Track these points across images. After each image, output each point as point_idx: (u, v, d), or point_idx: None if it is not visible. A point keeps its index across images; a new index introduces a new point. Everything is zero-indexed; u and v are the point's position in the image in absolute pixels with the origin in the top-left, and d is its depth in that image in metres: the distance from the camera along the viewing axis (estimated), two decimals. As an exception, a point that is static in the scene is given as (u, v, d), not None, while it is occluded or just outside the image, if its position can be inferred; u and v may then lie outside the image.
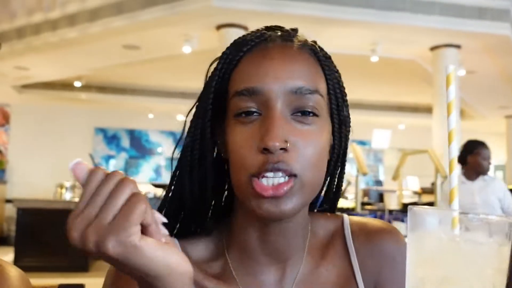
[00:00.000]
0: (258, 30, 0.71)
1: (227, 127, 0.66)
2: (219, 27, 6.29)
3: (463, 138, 7.69)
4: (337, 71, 0.73)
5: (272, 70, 0.63)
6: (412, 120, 11.77)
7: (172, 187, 0.71)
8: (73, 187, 8.13)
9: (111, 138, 12.19)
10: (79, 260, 6.92)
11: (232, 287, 0.67)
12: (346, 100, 0.74)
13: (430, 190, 6.52)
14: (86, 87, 10.20)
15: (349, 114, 0.75)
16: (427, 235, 0.42)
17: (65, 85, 10.05)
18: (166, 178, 12.27)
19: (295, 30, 0.73)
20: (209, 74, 0.71)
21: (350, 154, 5.73)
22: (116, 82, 10.30)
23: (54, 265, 6.78)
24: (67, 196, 7.96)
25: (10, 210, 8.95)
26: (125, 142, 12.30)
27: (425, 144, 6.59)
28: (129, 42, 7.03)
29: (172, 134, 12.46)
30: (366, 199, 7.15)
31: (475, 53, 7.13)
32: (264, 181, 0.60)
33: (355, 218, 0.78)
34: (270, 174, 0.60)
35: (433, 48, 6.91)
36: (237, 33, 6.31)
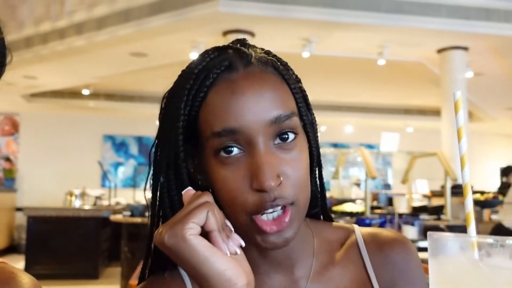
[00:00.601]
0: (208, 54, 0.67)
1: (207, 166, 0.65)
2: (225, 33, 6.31)
3: (472, 139, 7.67)
4: (296, 76, 0.71)
5: (246, 108, 0.62)
6: (420, 123, 11.72)
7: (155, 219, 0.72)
8: (82, 195, 8.17)
9: (119, 145, 12.23)
10: (89, 267, 6.94)
11: None
12: (309, 101, 0.73)
13: (440, 193, 6.48)
14: (94, 95, 10.26)
15: (313, 112, 0.74)
16: (449, 260, 0.43)
17: (74, 93, 10.11)
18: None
19: (245, 44, 0.70)
20: (167, 109, 0.69)
21: (358, 158, 5.71)
22: (124, 89, 10.35)
23: (64, 272, 6.81)
24: (77, 203, 7.99)
25: (21, 219, 8.99)
26: (134, 149, 12.33)
27: (434, 147, 6.56)
28: (137, 50, 7.06)
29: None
30: (375, 203, 7.12)
31: (482, 54, 7.09)
32: (264, 217, 0.62)
33: (366, 228, 0.79)
34: (269, 210, 0.62)
35: (440, 51, 6.88)
36: (244, 39, 6.33)
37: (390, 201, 7.05)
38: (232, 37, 6.25)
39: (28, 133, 11.45)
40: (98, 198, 8.69)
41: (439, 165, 6.10)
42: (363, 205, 5.70)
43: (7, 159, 11.29)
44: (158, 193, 0.71)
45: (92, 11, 6.65)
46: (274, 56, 0.69)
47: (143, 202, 7.80)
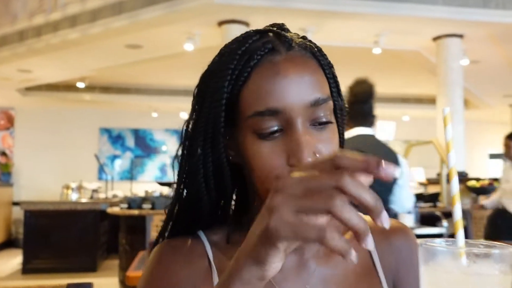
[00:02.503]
0: (250, 36, 0.71)
1: (244, 143, 0.69)
2: (221, 23, 6.28)
3: (468, 127, 7.68)
4: (329, 61, 0.75)
5: (289, 89, 0.66)
6: (416, 111, 11.73)
7: (184, 192, 0.76)
8: (79, 188, 8.16)
9: (116, 138, 12.21)
10: (87, 260, 6.94)
11: None
12: (340, 87, 0.77)
13: (436, 181, 6.50)
14: (90, 88, 10.22)
15: (343, 98, 0.78)
16: (438, 268, 0.47)
17: (69, 87, 10.07)
18: (171, 176, 12.24)
19: (284, 29, 0.74)
20: (208, 87, 0.72)
21: (355, 147, 5.70)
22: (120, 82, 10.31)
23: (62, 266, 6.81)
24: (74, 197, 7.98)
25: (18, 213, 8.98)
26: (130, 141, 12.31)
27: (430, 135, 6.57)
28: (131, 42, 7.03)
29: (176, 132, 12.45)
30: (373, 192, 7.15)
31: (479, 42, 7.08)
32: None
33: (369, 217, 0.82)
34: None
35: (436, 39, 6.87)
36: (239, 29, 6.30)
37: (387, 190, 7.06)
38: (227, 28, 6.23)
39: (23, 127, 11.41)
40: (95, 191, 8.68)
41: (435, 153, 6.12)
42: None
43: (3, 154, 11.25)
44: (189, 163, 0.74)
45: (86, 3, 6.61)
46: (310, 41, 0.73)
47: (140, 194, 7.79)
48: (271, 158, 0.66)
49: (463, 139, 6.76)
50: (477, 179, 6.32)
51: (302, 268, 0.74)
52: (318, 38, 6.25)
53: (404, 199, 3.27)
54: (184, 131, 0.76)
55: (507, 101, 11.10)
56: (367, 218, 0.78)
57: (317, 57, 0.71)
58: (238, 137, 0.70)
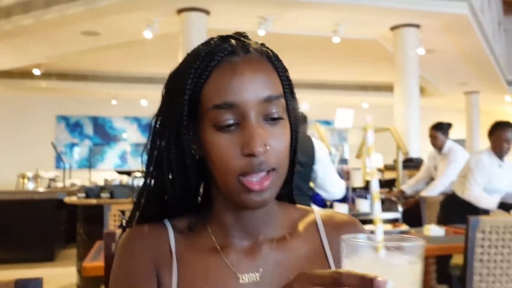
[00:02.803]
0: (213, 40, 0.79)
1: (204, 136, 0.76)
2: (180, 11, 6.22)
3: (425, 115, 7.88)
4: (284, 66, 0.83)
5: (244, 86, 0.74)
6: (375, 99, 11.94)
7: (151, 182, 0.82)
8: (35, 177, 7.99)
9: (74, 126, 11.99)
10: (45, 251, 6.83)
11: (215, 256, 0.81)
12: (293, 89, 0.85)
13: (393, 167, 6.65)
14: (46, 75, 9.98)
15: (296, 100, 0.86)
16: (357, 260, 0.53)
17: (24, 74, 9.81)
18: (132, 164, 12.16)
19: (245, 36, 0.82)
20: (173, 85, 0.80)
21: (315, 134, 5.77)
22: (77, 69, 10.10)
23: (19, 256, 6.68)
24: (30, 186, 7.81)
25: (-28, 203, 8.71)
26: (89, 129, 12.12)
27: (388, 122, 6.70)
28: (88, 29, 6.88)
29: (136, 120, 12.32)
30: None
31: (434, 32, 7.25)
32: (250, 178, 0.74)
33: (323, 210, 0.92)
34: (255, 174, 0.74)
35: (393, 28, 7.00)
36: (198, 17, 6.26)
37: (348, 176, 7.18)
38: (187, 15, 6.18)
39: (-23, 115, 11.07)
40: (52, 180, 8.51)
41: (392, 140, 6.25)
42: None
43: (-44, 142, 10.89)
44: (155, 156, 0.81)
45: (40, -12, 6.43)
46: (268, 48, 0.82)
47: (100, 183, 7.69)
48: (227, 149, 0.74)
49: (418, 126, 6.94)
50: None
51: (256, 252, 0.82)
52: (277, 27, 6.26)
53: (327, 186, 3.28)
54: (152, 125, 0.82)
55: (462, 89, 11.41)
56: (322, 212, 0.90)
57: (272, 61, 0.80)
58: (199, 131, 0.78)
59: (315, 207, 0.94)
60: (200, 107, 0.76)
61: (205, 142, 0.76)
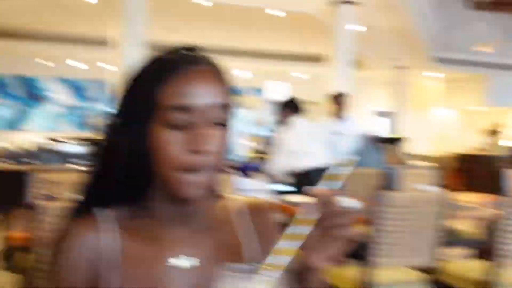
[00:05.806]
0: (175, 50, 0.90)
1: (155, 132, 0.85)
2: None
3: (360, 87, 8.11)
4: (231, 81, 0.93)
5: (198, 92, 0.84)
6: (310, 70, 12.07)
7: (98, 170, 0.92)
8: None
9: (-3, 85, 11.42)
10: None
11: (156, 246, 0.90)
12: (234, 100, 0.93)
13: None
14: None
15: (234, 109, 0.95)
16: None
17: None
18: (66, 128, 11.70)
19: (203, 49, 0.92)
20: (133, 87, 0.89)
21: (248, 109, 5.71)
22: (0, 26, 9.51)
23: None
24: None
25: None
26: (14, 89, 11.57)
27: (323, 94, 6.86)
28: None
29: (65, 81, 11.89)
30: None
31: (370, 8, 7.44)
32: (193, 175, 0.84)
33: (247, 198, 1.04)
34: (197, 171, 0.84)
35: (331, 3, 7.21)
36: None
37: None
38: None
39: None
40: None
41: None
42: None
43: None
44: (108, 146, 0.91)
45: None
46: (219, 62, 0.92)
47: (26, 146, 7.35)
48: (176, 145, 0.84)
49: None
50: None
51: (193, 240, 0.92)
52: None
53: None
54: (111, 119, 0.91)
55: (392, 63, 11.80)
56: (246, 201, 1.03)
57: (222, 74, 0.90)
58: (149, 129, 0.86)
59: (240, 197, 1.06)
60: (157, 108, 0.85)
61: (155, 138, 0.85)
